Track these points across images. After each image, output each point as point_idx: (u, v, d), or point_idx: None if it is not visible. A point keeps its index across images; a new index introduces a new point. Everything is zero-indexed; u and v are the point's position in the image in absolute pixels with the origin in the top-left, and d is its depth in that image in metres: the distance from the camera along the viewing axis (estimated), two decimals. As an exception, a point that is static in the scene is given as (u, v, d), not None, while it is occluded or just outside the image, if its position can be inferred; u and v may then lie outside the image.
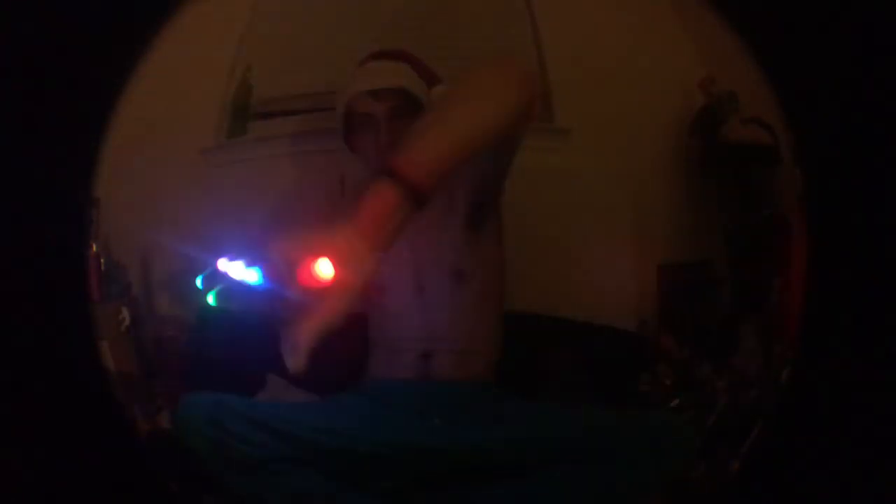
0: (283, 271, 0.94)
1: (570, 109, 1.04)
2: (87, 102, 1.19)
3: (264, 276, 0.95)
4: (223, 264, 0.96)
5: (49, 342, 1.40)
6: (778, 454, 1.23)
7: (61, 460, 1.41)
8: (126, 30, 1.18)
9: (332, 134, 1.04)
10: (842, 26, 1.40)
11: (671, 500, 1.07)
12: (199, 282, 0.98)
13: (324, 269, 0.93)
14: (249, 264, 0.96)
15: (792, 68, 1.21)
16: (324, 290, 0.93)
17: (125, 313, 1.11)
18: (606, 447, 1.02)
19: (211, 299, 0.98)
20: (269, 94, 1.06)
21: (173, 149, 1.09)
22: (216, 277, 0.97)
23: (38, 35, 1.43)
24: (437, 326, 1.04)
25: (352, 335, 1.03)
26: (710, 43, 1.13)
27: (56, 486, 1.39)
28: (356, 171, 1.04)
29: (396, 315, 1.05)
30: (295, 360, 0.93)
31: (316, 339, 0.93)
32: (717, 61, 1.12)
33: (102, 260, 1.13)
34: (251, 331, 1.04)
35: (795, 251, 1.14)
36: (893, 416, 1.39)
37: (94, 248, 1.14)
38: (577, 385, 1.04)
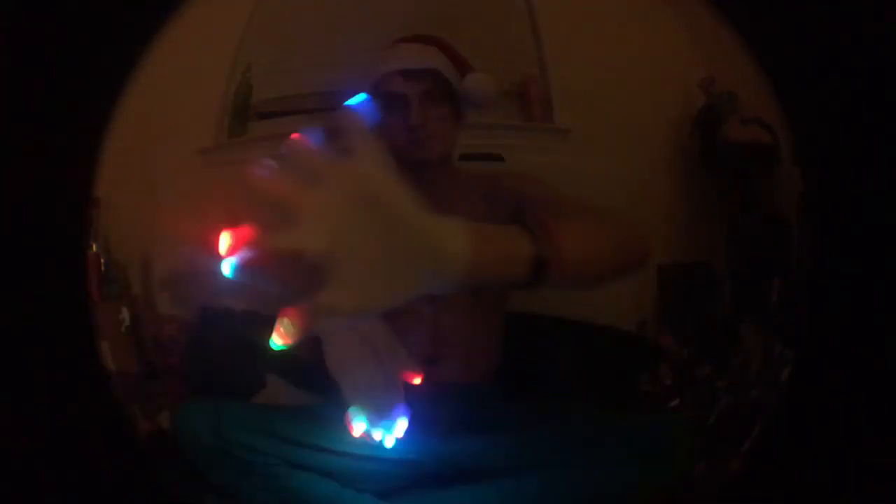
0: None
1: (570, 109, 1.04)
2: (87, 102, 1.19)
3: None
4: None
5: (49, 342, 1.40)
6: (778, 454, 1.23)
7: (61, 460, 1.41)
8: (126, 30, 1.18)
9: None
10: (842, 26, 1.40)
11: (671, 501, 1.07)
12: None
13: None
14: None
15: (792, 68, 1.21)
16: None
17: (125, 313, 1.11)
18: (606, 448, 1.02)
19: None
20: (269, 94, 1.06)
21: (173, 149, 1.09)
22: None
23: (38, 35, 1.43)
24: (445, 332, 1.04)
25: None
26: (710, 43, 1.13)
27: (56, 486, 1.39)
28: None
29: (404, 319, 1.05)
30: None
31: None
32: (717, 61, 1.12)
33: (102, 260, 1.13)
34: (251, 331, 1.04)
35: (795, 251, 1.14)
36: (894, 415, 1.39)
37: (94, 248, 1.14)
38: (577, 386, 1.04)
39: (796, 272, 1.14)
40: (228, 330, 1.05)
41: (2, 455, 1.40)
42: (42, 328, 1.41)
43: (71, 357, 1.30)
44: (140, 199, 1.11)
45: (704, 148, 1.08)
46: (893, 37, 1.40)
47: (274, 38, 1.07)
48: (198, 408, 1.06)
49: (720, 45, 1.14)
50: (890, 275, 1.40)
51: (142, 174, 1.11)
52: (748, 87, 1.13)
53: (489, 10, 1.06)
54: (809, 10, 1.40)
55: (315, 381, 1.04)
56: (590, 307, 1.04)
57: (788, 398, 1.16)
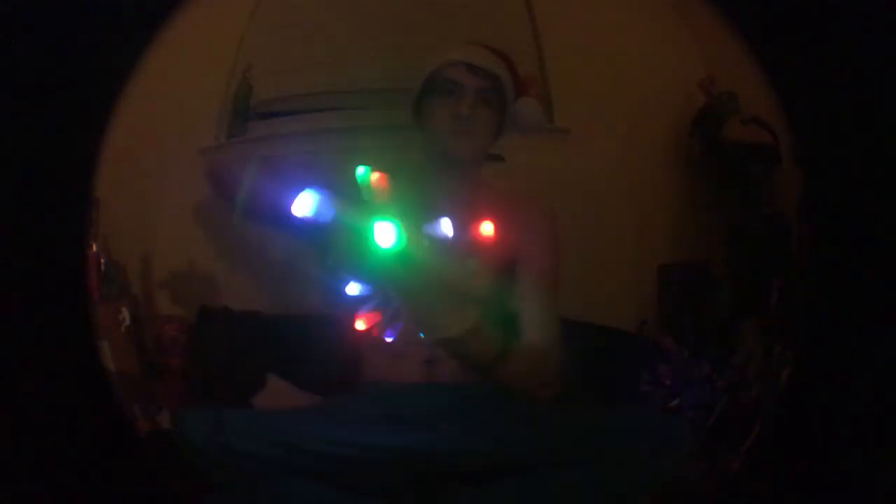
0: None
1: (570, 109, 1.04)
2: (87, 102, 1.19)
3: None
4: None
5: (49, 342, 1.40)
6: (778, 454, 1.23)
7: (61, 460, 1.41)
8: (126, 30, 1.18)
9: (333, 133, 1.04)
10: (842, 26, 1.40)
11: (671, 501, 1.07)
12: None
13: None
14: None
15: (792, 68, 1.21)
16: None
17: (125, 313, 1.11)
18: (606, 448, 1.02)
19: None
20: (269, 94, 1.06)
21: (173, 149, 1.09)
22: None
23: (39, 34, 1.43)
24: None
25: (350, 335, 1.03)
26: (710, 43, 1.13)
27: (56, 486, 1.39)
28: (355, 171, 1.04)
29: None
30: None
31: None
32: (717, 61, 1.12)
33: (102, 260, 1.13)
34: (251, 331, 1.04)
35: (795, 251, 1.14)
36: (893, 415, 1.39)
37: (94, 248, 1.14)
38: (577, 385, 1.04)
39: (796, 272, 1.14)
40: (228, 330, 1.05)
41: (2, 455, 1.40)
42: (42, 328, 1.41)
43: (71, 357, 1.30)
44: (140, 199, 1.11)
45: (704, 148, 1.08)
46: (893, 36, 1.40)
47: (274, 38, 1.07)
48: (198, 418, 1.06)
49: (720, 45, 1.14)
50: (890, 275, 1.40)
51: (142, 174, 1.11)
52: (748, 87, 1.13)
53: (489, 10, 1.06)
54: (809, 10, 1.40)
55: (315, 381, 1.04)
56: (590, 307, 1.04)
57: (788, 398, 1.16)
